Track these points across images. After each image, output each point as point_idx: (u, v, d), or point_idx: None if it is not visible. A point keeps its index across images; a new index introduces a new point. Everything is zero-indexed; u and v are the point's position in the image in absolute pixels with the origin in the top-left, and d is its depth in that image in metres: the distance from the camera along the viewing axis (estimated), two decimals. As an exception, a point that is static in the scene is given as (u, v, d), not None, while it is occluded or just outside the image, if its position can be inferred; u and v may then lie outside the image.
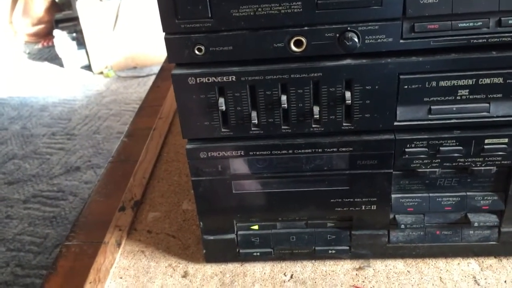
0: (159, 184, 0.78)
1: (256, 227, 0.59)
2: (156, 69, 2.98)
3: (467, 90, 0.48)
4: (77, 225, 0.67)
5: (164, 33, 0.47)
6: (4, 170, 2.18)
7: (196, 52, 0.48)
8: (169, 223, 0.69)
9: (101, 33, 2.93)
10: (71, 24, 3.17)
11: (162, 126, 0.93)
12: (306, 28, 0.46)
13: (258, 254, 0.60)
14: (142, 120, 0.93)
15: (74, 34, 3.07)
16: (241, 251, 0.60)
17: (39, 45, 3.58)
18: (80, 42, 3.06)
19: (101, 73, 3.06)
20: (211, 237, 0.59)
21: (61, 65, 3.18)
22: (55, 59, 3.28)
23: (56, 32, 3.08)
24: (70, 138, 2.40)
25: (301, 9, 0.45)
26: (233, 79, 0.48)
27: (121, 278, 0.61)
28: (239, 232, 0.59)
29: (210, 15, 0.45)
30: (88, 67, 3.13)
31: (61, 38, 3.07)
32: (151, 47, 3.00)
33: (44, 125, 2.55)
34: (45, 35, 3.58)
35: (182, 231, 0.67)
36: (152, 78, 2.88)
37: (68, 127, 2.52)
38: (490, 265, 0.58)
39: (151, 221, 0.70)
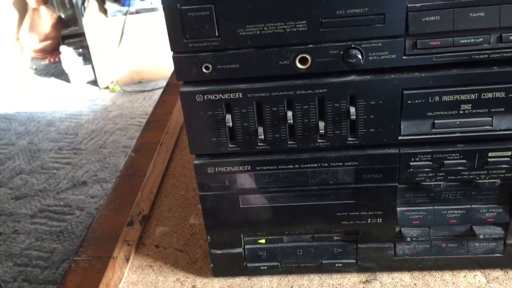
0: (167, 198, 0.79)
1: (263, 241, 0.59)
2: (161, 83, 3.00)
3: (470, 105, 0.49)
4: (86, 240, 0.67)
5: (172, 52, 0.48)
6: (11, 185, 2.19)
7: (204, 70, 0.49)
8: (176, 237, 0.70)
9: (107, 49, 2.96)
10: (77, 40, 3.21)
11: (169, 140, 0.94)
12: (311, 45, 0.47)
13: (265, 268, 0.60)
14: (149, 135, 0.94)
15: (80, 50, 3.10)
16: (248, 265, 0.60)
17: (46, 61, 3.61)
18: (86, 58, 3.09)
19: (107, 88, 3.09)
20: (219, 251, 0.60)
21: (68, 80, 3.21)
22: (61, 75, 3.31)
23: (63, 48, 3.12)
24: (77, 153, 2.42)
25: (306, 28, 0.46)
26: (240, 96, 0.49)
27: (130, 292, 0.61)
28: (246, 246, 0.60)
29: (217, 34, 0.47)
30: (94, 82, 3.15)
31: (68, 54, 3.10)
32: (156, 62, 3.03)
33: (51, 140, 2.57)
34: (52, 51, 3.61)
35: (189, 246, 0.68)
36: (157, 92, 2.91)
37: (74, 141, 2.53)
38: (496, 277, 0.58)
39: (159, 235, 0.71)
